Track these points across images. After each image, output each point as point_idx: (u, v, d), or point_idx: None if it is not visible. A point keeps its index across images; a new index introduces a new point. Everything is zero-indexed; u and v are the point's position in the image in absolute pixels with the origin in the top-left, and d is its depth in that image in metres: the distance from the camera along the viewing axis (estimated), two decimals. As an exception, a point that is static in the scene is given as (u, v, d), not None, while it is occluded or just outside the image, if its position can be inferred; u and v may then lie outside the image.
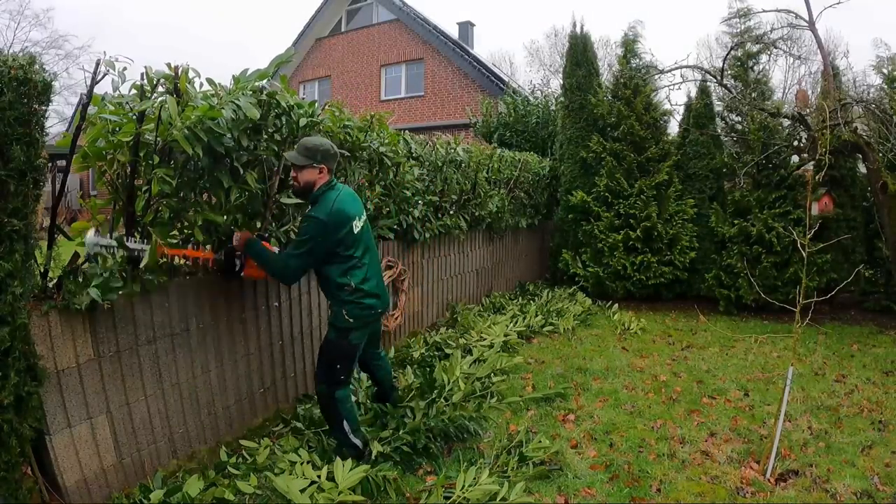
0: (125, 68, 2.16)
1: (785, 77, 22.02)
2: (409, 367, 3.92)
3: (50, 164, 1.91)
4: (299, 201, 2.91)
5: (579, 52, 6.94)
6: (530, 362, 4.38)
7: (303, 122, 2.83)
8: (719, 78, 5.99)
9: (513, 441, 2.90)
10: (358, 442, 2.68)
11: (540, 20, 48.92)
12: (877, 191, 5.01)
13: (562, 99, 7.31)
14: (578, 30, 7.00)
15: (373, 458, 2.64)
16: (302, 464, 2.55)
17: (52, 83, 1.83)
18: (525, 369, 4.19)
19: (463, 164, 5.11)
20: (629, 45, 6.75)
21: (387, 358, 3.23)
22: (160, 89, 2.29)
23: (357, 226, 2.56)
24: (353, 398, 2.94)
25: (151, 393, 2.44)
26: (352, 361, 2.70)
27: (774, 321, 5.71)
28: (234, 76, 2.57)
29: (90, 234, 2.18)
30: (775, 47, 6.16)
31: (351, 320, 2.59)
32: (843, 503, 2.43)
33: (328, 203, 2.47)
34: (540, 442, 2.89)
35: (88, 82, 2.12)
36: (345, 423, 2.65)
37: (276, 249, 2.67)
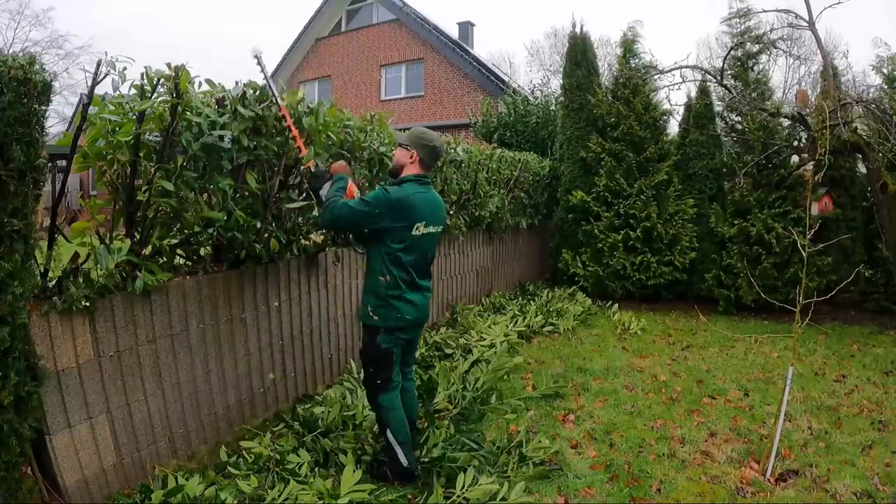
0: (125, 68, 2.16)
1: (785, 77, 22.06)
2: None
3: (50, 164, 1.91)
4: (303, 204, 2.94)
5: (579, 52, 6.94)
6: (530, 362, 4.38)
7: (305, 122, 2.84)
8: (719, 78, 6.00)
9: (513, 441, 2.90)
10: (404, 459, 2.50)
11: (540, 20, 48.97)
12: (877, 191, 5.01)
13: (562, 99, 7.31)
14: (578, 30, 7.01)
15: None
16: (302, 465, 2.55)
17: (52, 83, 1.83)
18: (525, 369, 4.19)
19: (463, 164, 5.11)
20: (628, 45, 6.75)
21: (414, 383, 2.93)
22: (160, 89, 2.29)
23: (419, 230, 2.43)
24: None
25: (151, 393, 2.44)
26: (387, 366, 2.52)
27: (774, 321, 5.71)
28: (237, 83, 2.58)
29: None
30: (775, 47, 6.16)
31: (376, 318, 2.47)
32: (843, 503, 2.43)
33: (406, 191, 2.40)
34: (540, 442, 2.89)
35: (89, 82, 2.12)
36: (389, 432, 2.51)
37: (356, 194, 2.54)
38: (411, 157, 2.50)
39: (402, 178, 2.50)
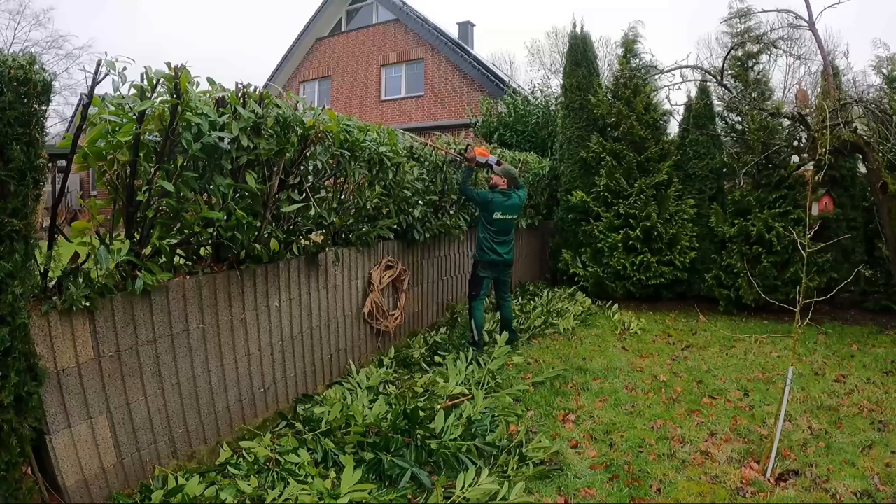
0: (125, 68, 2.16)
1: (785, 77, 22.02)
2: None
3: (50, 164, 1.91)
4: (300, 205, 2.99)
5: (579, 52, 6.94)
6: (530, 362, 4.38)
7: (299, 130, 2.87)
8: (719, 78, 5.99)
9: (513, 441, 2.90)
10: (476, 336, 4.44)
11: (540, 20, 48.91)
12: (877, 191, 5.01)
13: (562, 99, 7.30)
14: (578, 30, 7.01)
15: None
16: (302, 465, 2.55)
17: (52, 83, 1.83)
18: (525, 369, 4.19)
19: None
20: (629, 45, 6.75)
21: (510, 303, 4.91)
22: (160, 89, 2.29)
23: (497, 215, 4.43)
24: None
25: (151, 393, 2.44)
26: (478, 286, 4.55)
27: (774, 321, 5.71)
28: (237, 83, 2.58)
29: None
30: (775, 47, 6.16)
31: (476, 255, 4.58)
32: (843, 503, 2.43)
33: (493, 195, 4.47)
34: (540, 442, 2.89)
35: (89, 82, 2.12)
36: (473, 321, 4.49)
37: (487, 152, 4.74)
38: (504, 182, 4.55)
39: (496, 189, 4.53)
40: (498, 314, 4.96)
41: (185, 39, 47.25)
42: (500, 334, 4.56)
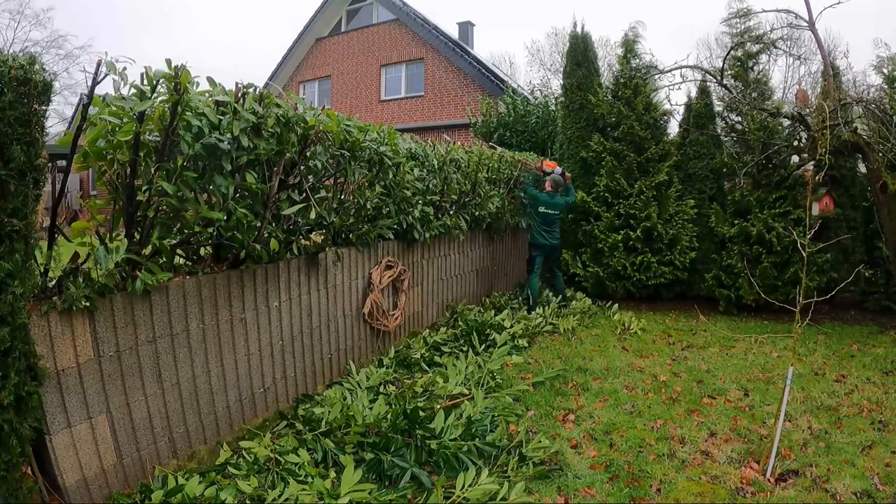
0: (125, 68, 2.16)
1: (785, 77, 22.01)
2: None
3: (50, 164, 1.91)
4: (300, 206, 3.00)
5: (579, 52, 6.94)
6: (530, 362, 4.38)
7: (299, 130, 2.86)
8: (719, 78, 5.99)
9: (513, 441, 2.90)
10: (533, 302, 5.85)
11: (540, 20, 48.89)
12: (877, 191, 5.00)
13: (562, 99, 7.30)
14: (579, 30, 7.01)
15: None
16: (302, 465, 2.55)
17: (52, 83, 1.83)
18: (525, 369, 4.19)
19: (463, 165, 5.11)
20: (629, 45, 6.75)
21: (560, 276, 6.25)
22: (160, 89, 2.29)
23: (541, 209, 5.79)
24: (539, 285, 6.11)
25: (151, 393, 2.44)
26: (532, 262, 5.92)
27: (774, 321, 5.71)
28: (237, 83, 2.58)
29: None
30: (775, 47, 6.16)
31: (530, 239, 6.03)
32: (843, 503, 2.43)
33: (541, 194, 5.83)
34: (540, 442, 2.89)
35: (89, 82, 2.12)
36: (529, 290, 5.90)
37: (553, 164, 6.30)
38: (550, 187, 5.85)
39: (544, 191, 5.86)
40: (549, 292, 6.36)
41: (186, 37, 47.31)
42: (557, 298, 6.00)
